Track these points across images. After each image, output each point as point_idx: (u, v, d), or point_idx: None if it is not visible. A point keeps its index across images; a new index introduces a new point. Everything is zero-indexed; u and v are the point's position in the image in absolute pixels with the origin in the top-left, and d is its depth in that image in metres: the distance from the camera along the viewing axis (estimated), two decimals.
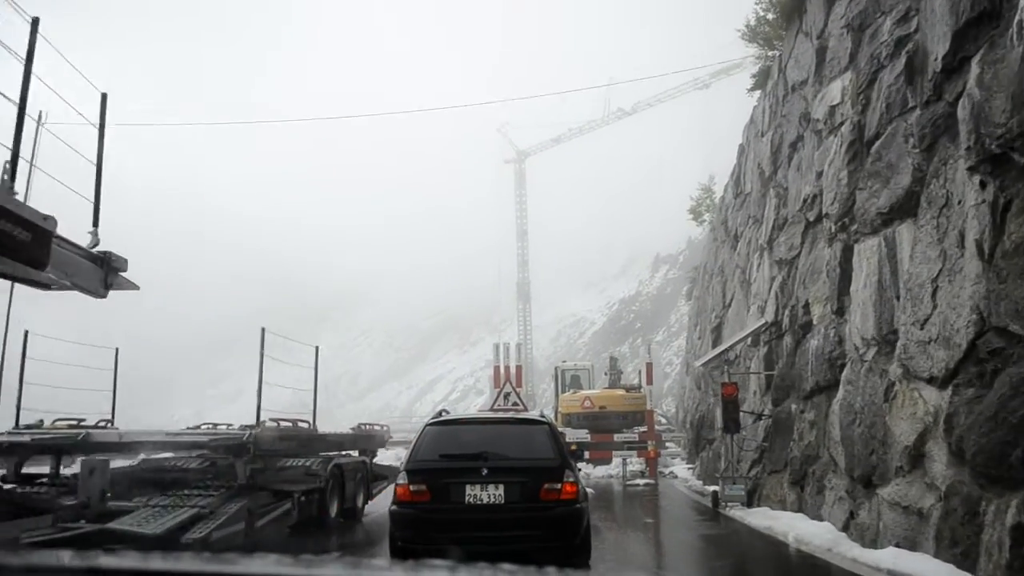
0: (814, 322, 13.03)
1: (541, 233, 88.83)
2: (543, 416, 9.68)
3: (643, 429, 23.01)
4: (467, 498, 7.97)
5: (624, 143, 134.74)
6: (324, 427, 14.47)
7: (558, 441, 8.77)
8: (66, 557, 1.47)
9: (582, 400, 24.09)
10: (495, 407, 17.91)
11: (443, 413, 10.39)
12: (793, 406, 14.02)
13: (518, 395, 19.03)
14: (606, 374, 28.96)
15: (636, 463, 24.40)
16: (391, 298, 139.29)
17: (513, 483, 8.04)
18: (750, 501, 15.26)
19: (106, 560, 1.45)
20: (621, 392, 24.83)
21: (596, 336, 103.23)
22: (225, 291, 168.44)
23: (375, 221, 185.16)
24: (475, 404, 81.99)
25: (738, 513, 14.66)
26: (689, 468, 25.60)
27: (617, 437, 22.85)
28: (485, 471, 8.00)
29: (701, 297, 29.27)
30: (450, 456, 8.37)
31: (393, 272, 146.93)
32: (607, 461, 24.39)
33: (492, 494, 7.98)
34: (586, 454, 22.10)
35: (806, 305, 13.44)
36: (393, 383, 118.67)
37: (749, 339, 17.31)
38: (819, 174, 12.95)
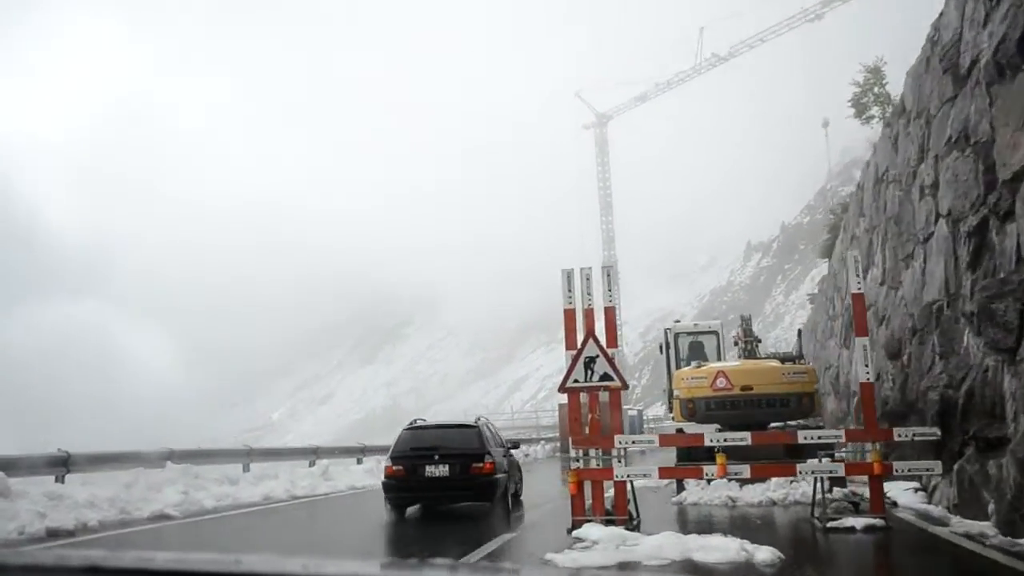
0: None
1: (626, 209, 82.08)
2: (476, 422, 14.03)
3: (813, 423, 14.98)
4: (427, 473, 12.57)
5: (718, 97, 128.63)
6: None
7: (482, 437, 13.17)
8: (66, 556, 1.52)
9: (713, 376, 14.69)
10: (571, 384, 10.64)
11: (416, 421, 14.62)
12: None
13: (609, 360, 10.74)
14: (736, 342, 20.37)
15: (799, 482, 12.94)
16: (475, 298, 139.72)
17: (454, 463, 12.59)
18: None
19: (106, 559, 1.47)
20: (775, 364, 15.62)
21: None
22: (313, 300, 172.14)
23: (453, 220, 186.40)
24: (563, 401, 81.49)
25: None
26: (916, 491, 12.96)
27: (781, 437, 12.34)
28: (436, 456, 12.68)
29: (880, 212, 16.21)
30: (416, 448, 13.03)
31: (476, 268, 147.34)
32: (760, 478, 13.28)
33: (441, 470, 12.57)
34: (713, 468, 10.41)
35: None
36: (481, 382, 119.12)
37: None
38: None
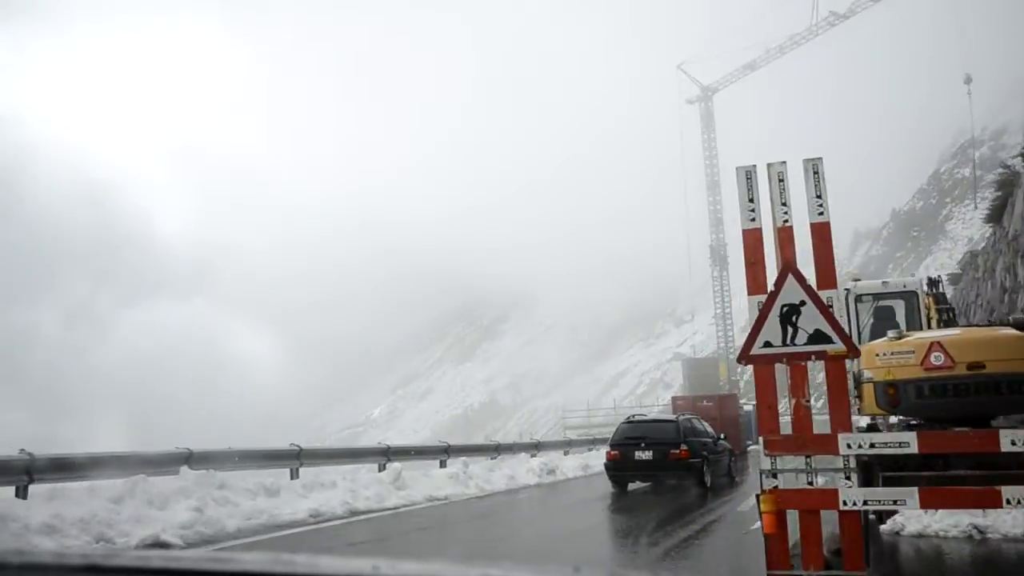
0: None
1: (732, 190, 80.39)
2: (676, 418, 18.05)
3: None
4: (636, 457, 16.31)
5: (832, 66, 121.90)
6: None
7: (679, 429, 16.79)
8: (66, 555, 1.54)
9: (924, 350, 10.09)
10: (759, 350, 6.73)
11: (631, 417, 18.81)
12: None
13: (824, 309, 6.90)
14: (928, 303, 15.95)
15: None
16: (572, 292, 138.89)
17: (656, 450, 16.16)
18: None
19: (105, 557, 1.46)
20: (1013, 333, 10.49)
21: None
22: (414, 298, 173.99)
23: (548, 208, 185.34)
24: (663, 398, 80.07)
25: None
26: None
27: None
28: (643, 444, 16.32)
29: None
30: (628, 438, 16.87)
31: (571, 263, 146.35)
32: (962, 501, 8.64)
33: (646, 455, 16.22)
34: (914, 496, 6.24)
35: None
36: (578, 378, 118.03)
37: None
38: None
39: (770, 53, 64.18)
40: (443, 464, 20.05)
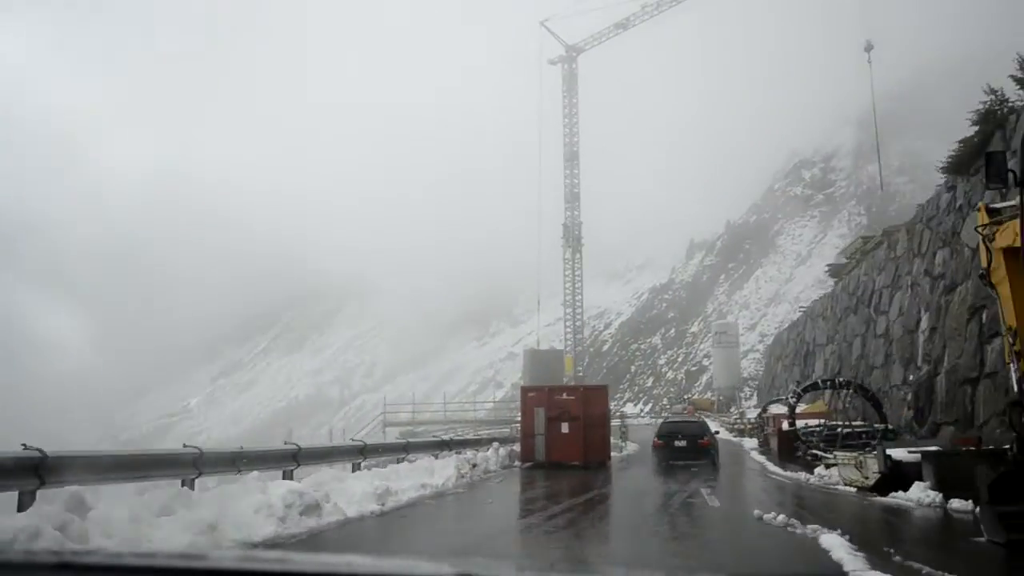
0: None
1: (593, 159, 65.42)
2: (698, 419, 29.77)
3: None
4: (675, 443, 22.96)
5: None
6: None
7: (703, 427, 24.97)
8: (36, 554, 1.48)
9: None
10: None
11: (668, 418, 32.34)
12: None
13: None
14: None
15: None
16: (408, 288, 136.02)
17: (689, 439, 23.16)
18: None
19: (76, 556, 1.41)
20: None
21: (624, 327, 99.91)
22: (242, 282, 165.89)
23: (394, 202, 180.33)
24: (496, 396, 78.29)
25: None
26: None
27: None
28: (680, 436, 23.34)
29: None
30: (669, 431, 23.91)
31: (410, 259, 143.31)
32: None
33: (682, 443, 22.95)
34: None
35: None
36: (409, 374, 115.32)
37: None
38: None
39: (646, 10, 56.59)
40: (357, 468, 16.62)
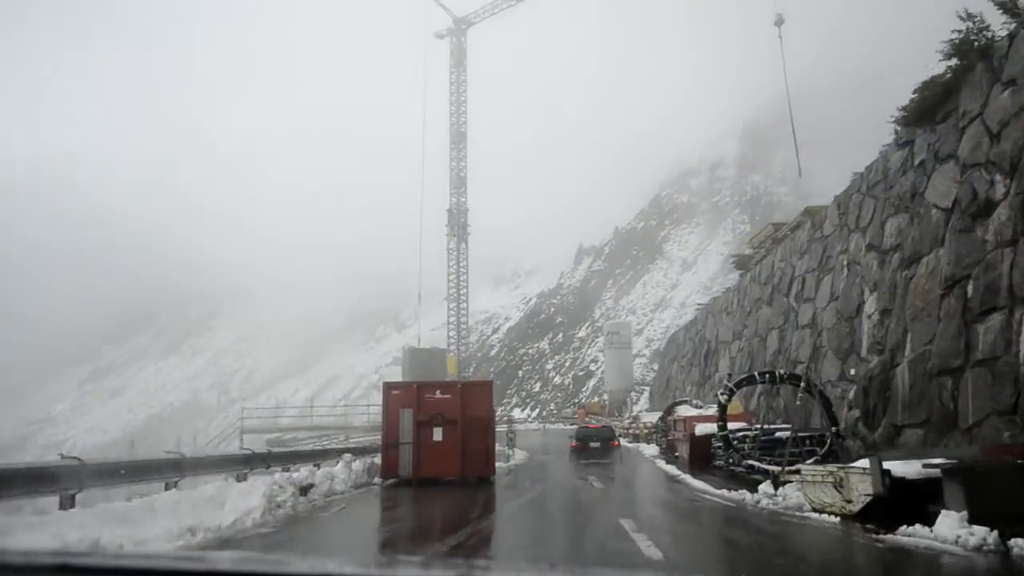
0: None
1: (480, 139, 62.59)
2: (608, 424, 36.80)
3: None
4: (591, 445, 28.47)
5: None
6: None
7: (612, 431, 31.44)
8: (35, 555, 1.47)
9: None
10: None
11: (584, 425, 34.35)
12: None
13: None
14: None
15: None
16: (291, 291, 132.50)
17: (603, 441, 29.02)
18: None
19: (76, 557, 1.43)
20: None
21: (512, 331, 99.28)
22: (116, 279, 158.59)
23: (280, 201, 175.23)
24: (379, 400, 76.17)
25: None
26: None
27: None
28: (594, 438, 29.19)
29: None
30: (584, 435, 29.56)
31: (294, 261, 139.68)
32: None
33: (596, 444, 28.57)
34: None
35: None
36: (291, 380, 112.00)
37: None
38: None
39: None
40: (172, 486, 12.51)
